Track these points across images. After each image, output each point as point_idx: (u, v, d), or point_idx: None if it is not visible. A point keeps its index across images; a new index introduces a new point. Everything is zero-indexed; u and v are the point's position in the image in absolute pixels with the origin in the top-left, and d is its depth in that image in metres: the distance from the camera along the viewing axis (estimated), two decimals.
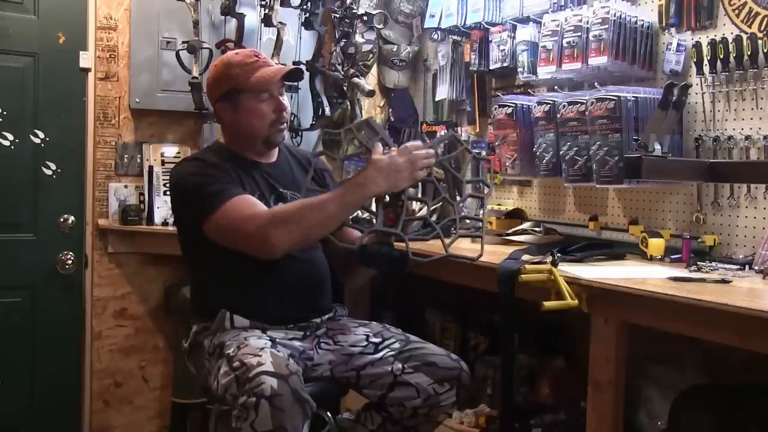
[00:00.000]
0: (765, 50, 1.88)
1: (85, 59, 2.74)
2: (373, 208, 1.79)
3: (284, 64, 2.47)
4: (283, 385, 1.54)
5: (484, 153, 2.86)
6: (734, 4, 1.99)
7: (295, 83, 2.85)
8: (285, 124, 1.97)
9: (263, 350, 1.65)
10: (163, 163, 2.84)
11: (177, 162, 2.05)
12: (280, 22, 2.70)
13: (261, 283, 1.85)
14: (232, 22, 2.73)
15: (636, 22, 2.17)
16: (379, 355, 1.88)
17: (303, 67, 2.79)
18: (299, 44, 2.92)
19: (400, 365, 1.84)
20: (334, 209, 1.72)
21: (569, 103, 2.26)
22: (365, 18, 2.98)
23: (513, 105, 2.49)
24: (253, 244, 1.74)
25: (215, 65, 1.98)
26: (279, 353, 1.68)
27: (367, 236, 1.77)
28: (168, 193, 2.50)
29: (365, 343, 1.91)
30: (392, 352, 1.87)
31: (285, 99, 1.96)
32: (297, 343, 1.85)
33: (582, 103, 2.21)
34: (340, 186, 1.75)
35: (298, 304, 1.89)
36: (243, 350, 1.66)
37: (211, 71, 1.99)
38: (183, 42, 2.66)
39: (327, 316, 1.98)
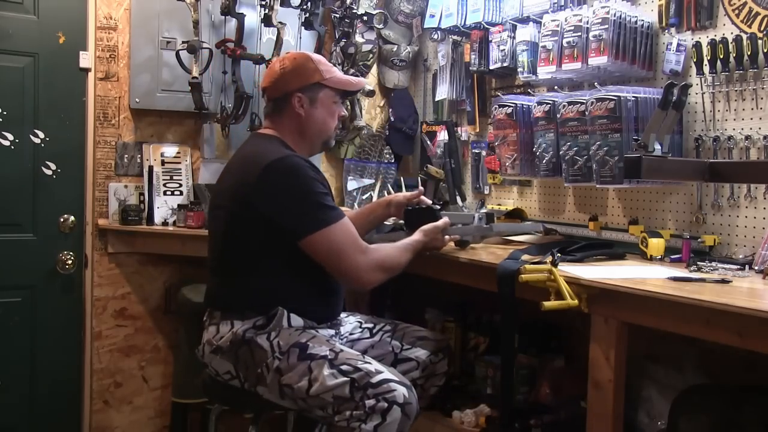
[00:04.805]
0: (765, 50, 1.88)
1: (85, 59, 2.74)
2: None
3: None
4: (411, 393, 1.64)
5: (484, 153, 2.87)
6: (734, 4, 1.99)
7: None
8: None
9: (365, 356, 1.75)
10: (162, 163, 2.84)
11: (279, 157, 1.79)
12: (280, 22, 2.69)
13: (314, 284, 1.88)
14: (232, 22, 2.72)
15: (636, 22, 2.17)
16: (377, 338, 2.02)
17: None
18: (299, 44, 2.92)
19: (398, 343, 2.00)
20: (411, 257, 1.94)
21: (569, 103, 2.26)
22: (365, 18, 2.98)
23: (513, 105, 2.49)
24: (349, 274, 1.81)
25: (293, 57, 1.97)
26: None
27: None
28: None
29: (360, 329, 2.05)
30: (387, 333, 2.03)
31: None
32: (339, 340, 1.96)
33: (582, 103, 2.21)
34: (419, 239, 1.98)
35: (333, 304, 1.97)
36: (344, 355, 1.72)
37: (286, 61, 1.96)
38: (183, 42, 2.66)
39: None
